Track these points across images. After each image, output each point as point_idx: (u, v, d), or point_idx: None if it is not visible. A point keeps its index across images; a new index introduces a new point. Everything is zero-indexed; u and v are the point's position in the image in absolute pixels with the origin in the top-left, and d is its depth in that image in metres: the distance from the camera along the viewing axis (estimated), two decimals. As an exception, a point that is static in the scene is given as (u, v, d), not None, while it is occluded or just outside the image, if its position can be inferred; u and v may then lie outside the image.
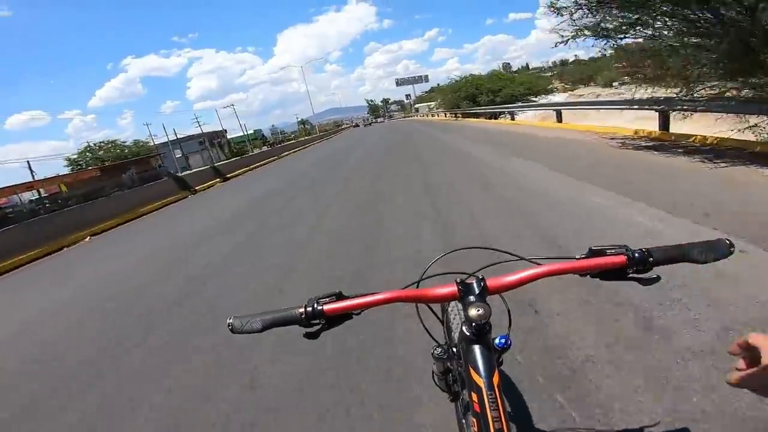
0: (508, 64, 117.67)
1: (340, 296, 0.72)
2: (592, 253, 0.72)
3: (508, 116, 18.76)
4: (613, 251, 0.71)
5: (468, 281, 0.71)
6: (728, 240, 0.69)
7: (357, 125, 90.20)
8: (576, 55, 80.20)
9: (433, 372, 1.05)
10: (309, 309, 0.70)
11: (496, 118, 20.20)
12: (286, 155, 30.61)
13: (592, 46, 6.05)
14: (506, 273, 0.72)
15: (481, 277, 0.70)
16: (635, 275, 0.70)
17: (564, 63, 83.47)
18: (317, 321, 0.70)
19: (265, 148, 41.79)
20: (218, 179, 18.98)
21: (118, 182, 23.90)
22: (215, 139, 51.08)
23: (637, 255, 0.69)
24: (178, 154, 38.37)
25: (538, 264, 0.73)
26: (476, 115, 22.60)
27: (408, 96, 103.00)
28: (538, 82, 26.37)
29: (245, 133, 54.46)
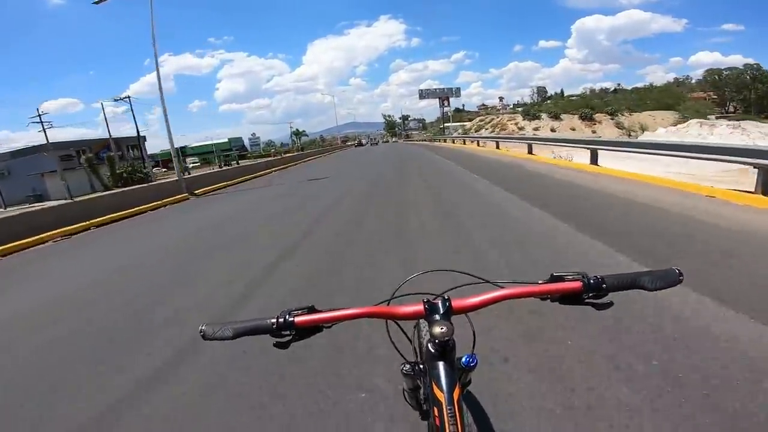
0: (544, 88, 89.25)
1: (312, 309, 0.73)
2: (553, 278, 0.74)
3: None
4: (571, 277, 0.73)
5: (434, 301, 0.72)
6: (678, 269, 0.71)
7: (360, 143, 73.32)
8: (619, 84, 72.77)
9: (403, 389, 1.03)
10: (281, 320, 0.70)
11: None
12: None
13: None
14: (471, 294, 0.74)
15: (446, 298, 0.72)
16: (591, 300, 0.72)
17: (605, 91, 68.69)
18: (288, 332, 0.71)
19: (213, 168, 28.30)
20: None
21: None
22: (102, 151, 32.48)
23: (592, 281, 0.71)
24: None
25: (501, 287, 0.75)
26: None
27: (445, 102, 69.42)
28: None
29: (138, 138, 35.65)
